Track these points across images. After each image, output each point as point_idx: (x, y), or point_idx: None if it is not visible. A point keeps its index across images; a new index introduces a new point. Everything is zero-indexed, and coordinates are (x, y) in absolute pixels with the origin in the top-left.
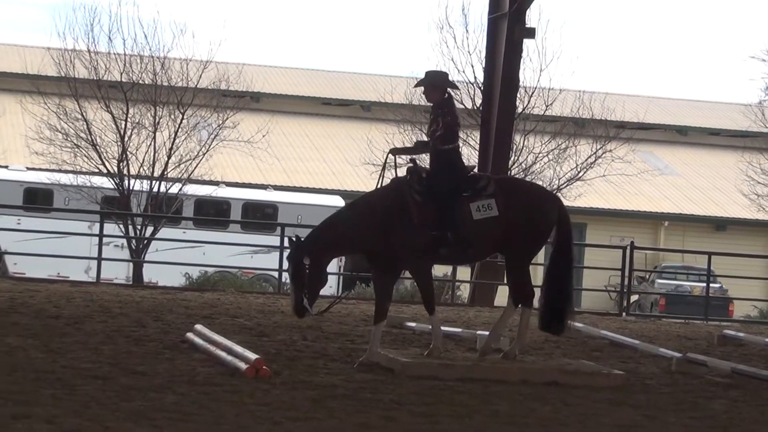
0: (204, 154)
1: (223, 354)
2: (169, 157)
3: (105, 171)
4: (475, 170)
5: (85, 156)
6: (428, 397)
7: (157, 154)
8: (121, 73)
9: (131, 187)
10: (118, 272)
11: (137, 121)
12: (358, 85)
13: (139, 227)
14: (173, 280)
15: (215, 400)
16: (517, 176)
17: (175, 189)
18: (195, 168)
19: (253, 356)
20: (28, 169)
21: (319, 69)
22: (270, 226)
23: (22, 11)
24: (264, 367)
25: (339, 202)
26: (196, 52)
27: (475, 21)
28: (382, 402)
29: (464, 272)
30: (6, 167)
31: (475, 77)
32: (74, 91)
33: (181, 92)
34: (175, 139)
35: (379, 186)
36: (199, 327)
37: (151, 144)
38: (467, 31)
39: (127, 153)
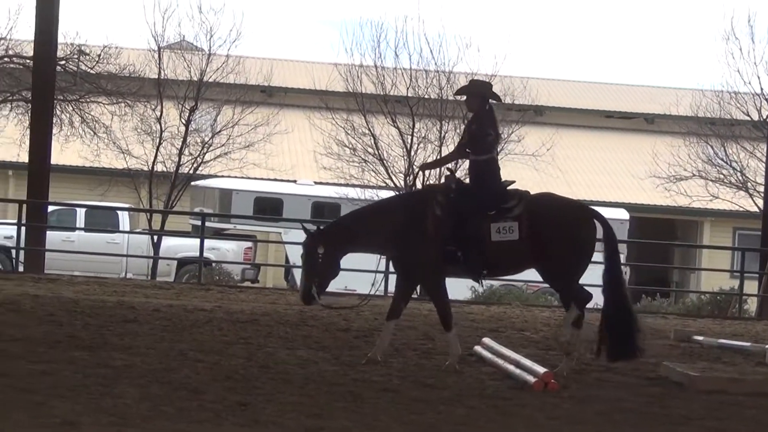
0: None
1: (511, 367)
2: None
3: (392, 185)
4: (514, 186)
5: (373, 170)
6: (718, 411)
7: (443, 169)
8: (408, 88)
9: None
10: None
11: (423, 135)
12: (642, 98)
13: None
14: (459, 293)
15: (505, 414)
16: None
17: None
18: None
19: (541, 370)
20: (316, 183)
21: (602, 82)
22: None
23: (310, 28)
24: (553, 380)
25: (623, 215)
26: (481, 66)
27: (762, 31)
28: (671, 417)
29: (752, 286)
30: (295, 182)
31: (761, 89)
32: (361, 106)
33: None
34: None
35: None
36: (486, 340)
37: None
38: (753, 41)
39: (414, 167)
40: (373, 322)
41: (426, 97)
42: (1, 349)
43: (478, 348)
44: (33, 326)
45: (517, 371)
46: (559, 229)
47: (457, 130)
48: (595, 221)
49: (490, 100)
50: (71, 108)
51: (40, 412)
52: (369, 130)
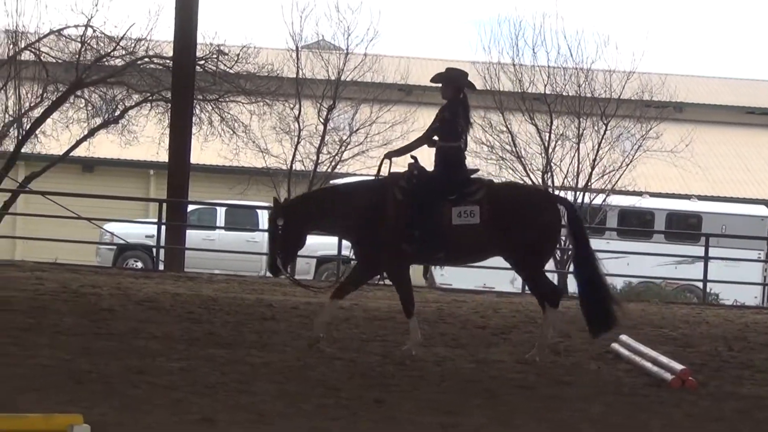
0: (627, 165)
1: (648, 364)
2: (592, 168)
3: (529, 182)
4: (479, 174)
5: (510, 168)
6: None
7: (580, 165)
8: (545, 86)
9: None
10: None
11: (561, 132)
12: None
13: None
14: None
15: (642, 411)
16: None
17: (598, 200)
18: (618, 179)
19: (679, 367)
20: None
21: (742, 78)
22: (694, 236)
23: (448, 27)
24: (690, 377)
25: (764, 211)
26: (619, 63)
27: None
28: None
29: None
30: None
31: None
32: (499, 103)
33: (604, 103)
34: (598, 150)
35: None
36: (624, 337)
37: (574, 155)
38: None
39: (552, 164)
40: (511, 319)
41: (564, 94)
42: (142, 347)
43: (615, 345)
44: (172, 324)
45: (655, 368)
46: (520, 213)
47: (595, 127)
48: (559, 205)
49: (465, 89)
50: (210, 107)
51: (178, 408)
52: (507, 127)
